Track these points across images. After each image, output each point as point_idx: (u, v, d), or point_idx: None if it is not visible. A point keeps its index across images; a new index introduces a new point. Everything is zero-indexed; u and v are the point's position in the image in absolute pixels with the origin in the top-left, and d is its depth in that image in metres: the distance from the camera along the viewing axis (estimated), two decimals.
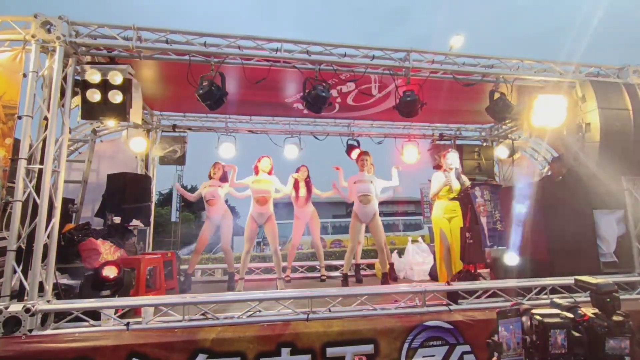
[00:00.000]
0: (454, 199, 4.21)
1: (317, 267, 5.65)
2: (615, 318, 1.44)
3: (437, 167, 4.53)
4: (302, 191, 5.13)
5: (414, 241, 5.84)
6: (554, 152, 5.56)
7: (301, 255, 7.92)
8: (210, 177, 4.96)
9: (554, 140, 4.91)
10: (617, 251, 3.97)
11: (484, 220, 3.57)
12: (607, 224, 4.00)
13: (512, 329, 1.31)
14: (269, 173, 4.68)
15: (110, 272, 3.11)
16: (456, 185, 4.14)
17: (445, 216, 4.23)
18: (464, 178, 4.34)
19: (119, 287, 3.11)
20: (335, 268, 5.95)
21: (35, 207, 2.82)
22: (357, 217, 4.66)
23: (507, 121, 5.53)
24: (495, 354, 1.35)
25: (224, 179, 4.94)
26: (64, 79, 3.09)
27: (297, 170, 5.19)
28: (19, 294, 2.72)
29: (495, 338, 1.32)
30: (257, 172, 4.65)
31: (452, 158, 4.27)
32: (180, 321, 2.82)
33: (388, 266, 4.84)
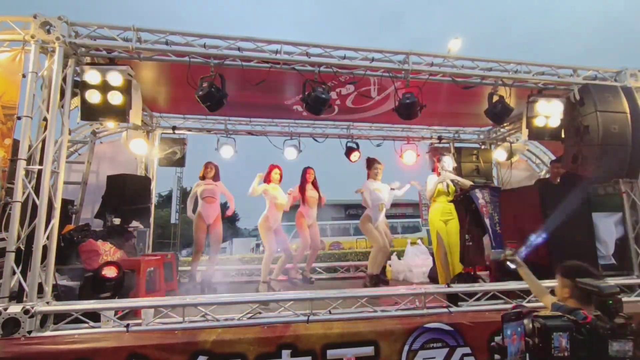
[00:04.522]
0: (450, 201, 4.23)
1: (318, 269, 5.66)
2: (618, 320, 1.44)
3: (435, 169, 4.54)
4: (311, 192, 5.05)
5: (413, 243, 5.85)
6: (552, 155, 5.61)
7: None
8: (203, 178, 4.86)
9: (552, 143, 4.94)
10: (615, 254, 3.99)
11: (487, 221, 3.58)
12: (605, 227, 4.03)
13: (516, 332, 1.32)
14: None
15: (109, 272, 3.10)
16: (452, 186, 4.17)
17: (441, 218, 4.24)
18: (463, 180, 4.36)
19: (118, 288, 3.09)
20: (335, 270, 5.95)
21: (35, 208, 2.80)
22: (370, 220, 4.63)
23: (506, 124, 5.57)
24: (497, 356, 1.35)
25: (216, 178, 4.91)
26: (64, 79, 3.08)
27: (306, 172, 5.08)
28: (18, 295, 2.70)
29: (500, 341, 1.32)
30: (269, 182, 4.59)
31: (446, 161, 4.30)
32: (180, 323, 2.81)
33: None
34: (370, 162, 4.85)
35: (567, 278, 1.81)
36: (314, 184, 5.11)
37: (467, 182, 4.29)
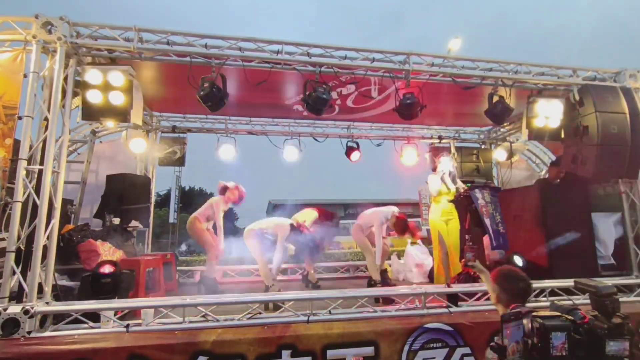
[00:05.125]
0: (451, 201, 4.24)
1: (317, 269, 5.65)
2: (614, 320, 1.45)
3: (435, 169, 4.55)
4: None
5: (413, 243, 5.86)
6: (552, 155, 5.62)
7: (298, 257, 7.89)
8: (232, 201, 4.73)
9: (552, 143, 4.95)
10: (614, 254, 4.00)
11: (487, 221, 3.58)
12: (605, 227, 4.04)
13: (514, 332, 1.33)
14: None
15: (105, 269, 3.09)
16: (451, 187, 4.17)
17: (442, 219, 4.25)
18: (459, 183, 4.37)
19: (115, 286, 3.06)
20: (335, 270, 5.96)
21: (35, 208, 2.80)
22: (362, 230, 4.64)
23: (506, 124, 5.58)
24: (497, 356, 1.36)
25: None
26: (65, 79, 3.08)
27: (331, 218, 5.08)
28: (17, 296, 2.70)
29: (499, 341, 1.33)
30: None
31: (445, 162, 4.31)
32: (180, 323, 2.81)
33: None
34: (404, 225, 4.55)
35: (495, 283, 1.79)
36: None
37: (461, 185, 4.31)
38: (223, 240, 4.53)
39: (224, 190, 4.76)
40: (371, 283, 4.50)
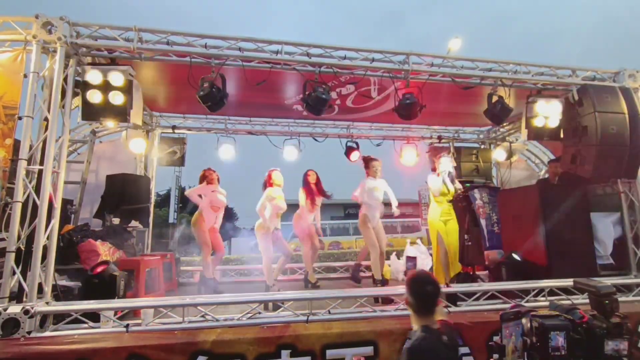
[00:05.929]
0: (449, 201, 4.24)
1: (317, 269, 5.66)
2: (613, 320, 1.46)
3: (435, 169, 4.55)
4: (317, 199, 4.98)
5: (413, 243, 5.87)
6: (551, 155, 5.63)
7: (299, 257, 7.90)
8: (209, 182, 4.66)
9: (552, 143, 4.96)
10: (613, 253, 4.01)
11: (483, 222, 3.59)
12: (603, 227, 4.05)
13: (514, 331, 1.33)
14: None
15: (98, 269, 3.10)
16: (451, 188, 4.18)
17: (441, 219, 4.25)
18: (457, 184, 4.37)
19: (106, 286, 3.05)
20: (334, 270, 5.96)
21: (35, 208, 2.81)
22: (368, 220, 4.58)
23: (505, 124, 5.59)
24: (496, 355, 1.37)
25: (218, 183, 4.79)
26: (65, 79, 3.08)
27: (306, 176, 4.98)
28: (17, 296, 2.71)
29: (498, 340, 1.33)
30: (271, 186, 4.47)
31: (445, 162, 4.32)
32: (180, 323, 2.82)
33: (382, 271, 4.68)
34: (367, 161, 4.76)
35: (405, 286, 1.72)
36: (317, 185, 5.02)
37: (459, 186, 4.30)
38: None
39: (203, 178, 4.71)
40: (375, 281, 4.49)
